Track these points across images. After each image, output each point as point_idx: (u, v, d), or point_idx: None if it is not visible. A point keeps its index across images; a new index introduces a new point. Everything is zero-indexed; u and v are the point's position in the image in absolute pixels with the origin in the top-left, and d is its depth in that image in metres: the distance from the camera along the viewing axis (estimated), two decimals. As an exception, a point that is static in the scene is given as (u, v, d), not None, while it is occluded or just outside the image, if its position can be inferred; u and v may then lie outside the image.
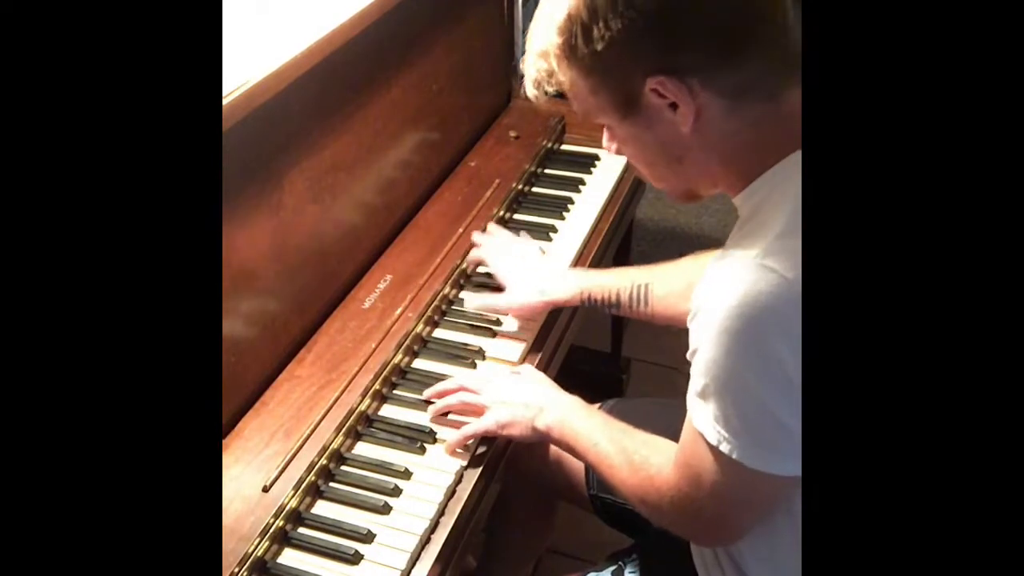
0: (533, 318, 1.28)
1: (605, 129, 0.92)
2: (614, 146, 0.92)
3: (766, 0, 0.79)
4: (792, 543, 0.90)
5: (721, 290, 0.79)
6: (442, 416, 1.13)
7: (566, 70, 0.85)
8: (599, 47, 0.80)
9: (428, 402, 1.14)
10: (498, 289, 1.31)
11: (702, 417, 0.83)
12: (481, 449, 1.10)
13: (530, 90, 0.91)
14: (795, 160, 0.82)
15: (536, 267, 1.31)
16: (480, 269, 1.37)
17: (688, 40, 0.78)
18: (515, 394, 1.10)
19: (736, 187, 0.87)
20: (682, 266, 1.21)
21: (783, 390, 0.77)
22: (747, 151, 0.84)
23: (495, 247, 1.35)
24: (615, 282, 1.24)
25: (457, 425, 1.10)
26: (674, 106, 0.81)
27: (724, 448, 0.82)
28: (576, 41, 0.81)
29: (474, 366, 1.21)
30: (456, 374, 1.19)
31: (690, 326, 0.85)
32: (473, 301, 1.27)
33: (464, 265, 1.36)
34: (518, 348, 1.24)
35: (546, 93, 0.89)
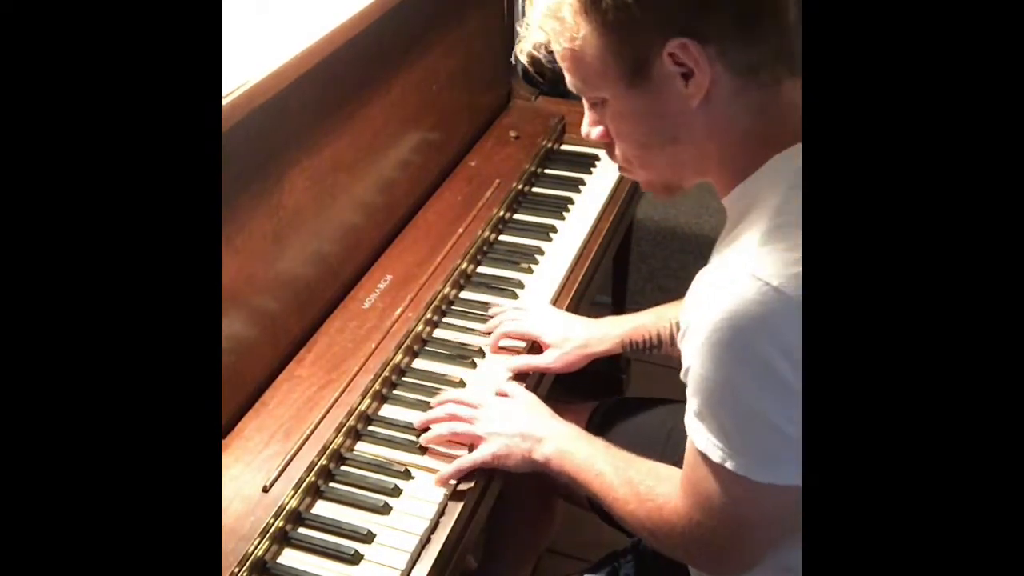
0: (575, 371, 1.25)
1: (590, 109, 0.88)
2: (596, 131, 0.89)
3: None
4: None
5: (708, 304, 0.78)
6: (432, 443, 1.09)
7: (583, 24, 0.80)
8: None
9: (426, 405, 1.13)
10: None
11: (702, 437, 0.82)
12: (481, 449, 1.09)
13: (522, 56, 0.87)
14: (784, 159, 0.81)
15: (570, 321, 1.26)
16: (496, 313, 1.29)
17: (715, 4, 0.77)
18: (510, 424, 1.06)
19: (727, 183, 0.86)
20: None
21: (779, 397, 0.76)
22: (745, 140, 0.83)
23: (522, 314, 1.27)
24: (653, 323, 1.22)
25: (450, 447, 1.08)
26: (686, 76, 0.79)
27: (729, 465, 0.80)
28: None
29: (474, 366, 1.21)
30: (455, 374, 1.20)
31: (680, 345, 0.83)
32: (513, 363, 1.22)
33: (465, 266, 1.36)
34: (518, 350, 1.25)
35: (540, 76, 0.86)
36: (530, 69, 0.88)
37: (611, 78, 0.82)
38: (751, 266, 0.76)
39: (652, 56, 0.79)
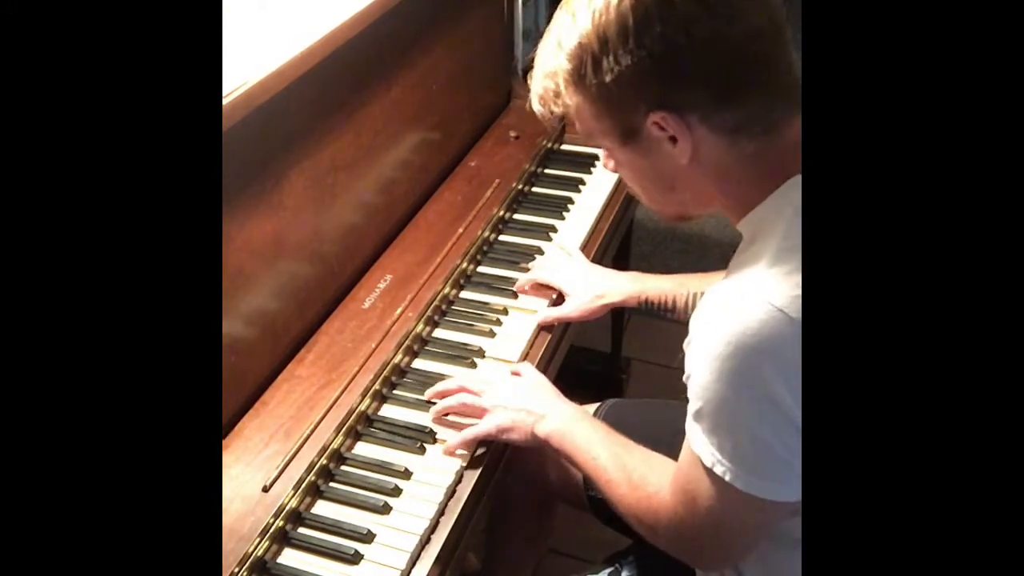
0: (593, 320, 1.31)
1: (604, 148, 0.93)
2: (611, 164, 0.95)
3: (769, 44, 0.81)
4: (791, 559, 0.90)
5: (715, 319, 0.81)
6: (443, 416, 1.13)
7: (572, 95, 0.87)
8: (607, 79, 0.82)
9: (429, 402, 1.14)
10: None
11: (698, 440, 0.84)
12: (481, 450, 1.10)
13: (536, 106, 0.93)
14: (791, 186, 0.84)
15: (592, 272, 1.34)
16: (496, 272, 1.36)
17: (690, 80, 0.80)
18: (517, 399, 1.10)
19: (736, 214, 0.89)
20: None
21: (775, 421, 0.79)
22: (745, 182, 0.85)
23: (548, 263, 1.37)
24: (672, 288, 1.26)
25: (458, 426, 1.11)
26: (673, 140, 0.83)
27: (718, 471, 0.83)
28: (585, 70, 0.83)
29: (474, 366, 1.21)
30: (456, 374, 1.19)
31: (686, 351, 0.86)
32: (538, 317, 1.29)
33: (465, 266, 1.36)
34: (518, 348, 1.25)
35: (551, 112, 0.91)
36: (540, 117, 0.94)
37: (608, 135, 0.88)
38: (759, 287, 0.79)
39: (639, 123, 0.84)
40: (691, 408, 0.85)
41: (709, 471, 0.84)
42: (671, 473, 0.92)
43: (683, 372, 0.87)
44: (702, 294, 1.19)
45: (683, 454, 0.89)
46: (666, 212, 0.96)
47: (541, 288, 1.34)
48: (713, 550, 0.92)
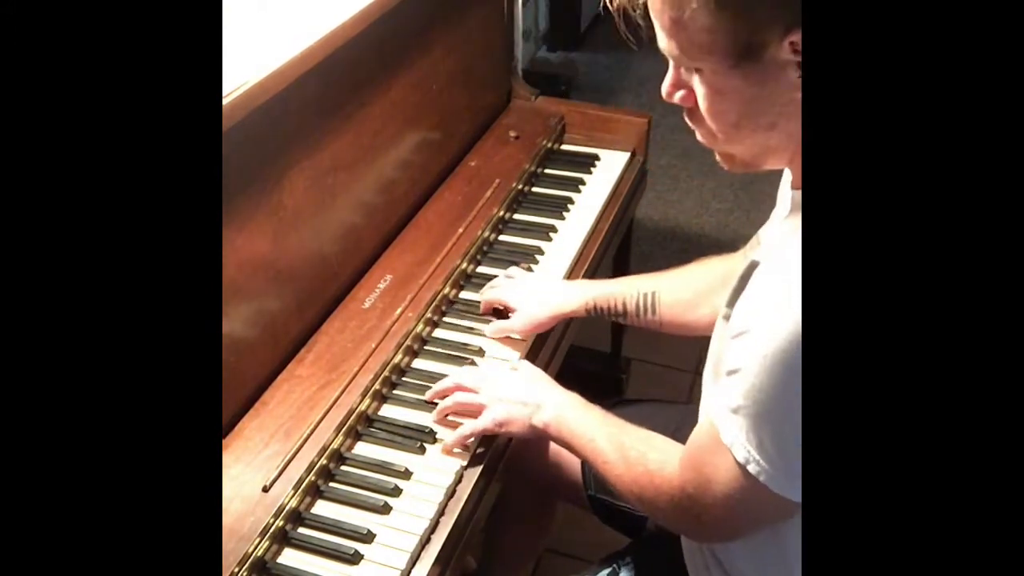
0: (542, 331, 1.28)
1: (676, 70, 0.80)
2: (678, 95, 0.80)
3: None
4: (780, 548, 0.90)
5: (775, 314, 0.74)
6: (444, 417, 1.13)
7: None
8: None
9: (431, 403, 1.15)
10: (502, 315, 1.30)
11: (733, 433, 0.80)
12: (481, 449, 1.10)
13: (612, 3, 0.78)
14: None
15: (541, 284, 1.31)
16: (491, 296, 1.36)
17: None
18: (512, 392, 1.10)
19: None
20: (689, 273, 1.20)
21: None
22: None
23: (504, 283, 1.33)
24: (621, 291, 1.24)
25: (458, 425, 1.10)
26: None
27: (752, 470, 0.79)
28: None
29: (474, 365, 1.22)
30: (455, 372, 1.19)
31: (733, 343, 0.80)
32: (489, 329, 1.27)
33: (465, 266, 1.36)
34: (518, 348, 1.25)
35: (639, 12, 0.77)
36: (618, 21, 0.78)
37: (716, 55, 0.74)
38: None
39: (769, 41, 0.71)
40: (729, 400, 0.80)
41: (740, 465, 0.80)
42: (675, 451, 0.91)
43: (699, 370, 0.84)
44: (654, 294, 1.20)
45: (701, 437, 0.86)
46: (740, 156, 0.82)
47: (497, 309, 1.30)
48: (719, 529, 0.91)
